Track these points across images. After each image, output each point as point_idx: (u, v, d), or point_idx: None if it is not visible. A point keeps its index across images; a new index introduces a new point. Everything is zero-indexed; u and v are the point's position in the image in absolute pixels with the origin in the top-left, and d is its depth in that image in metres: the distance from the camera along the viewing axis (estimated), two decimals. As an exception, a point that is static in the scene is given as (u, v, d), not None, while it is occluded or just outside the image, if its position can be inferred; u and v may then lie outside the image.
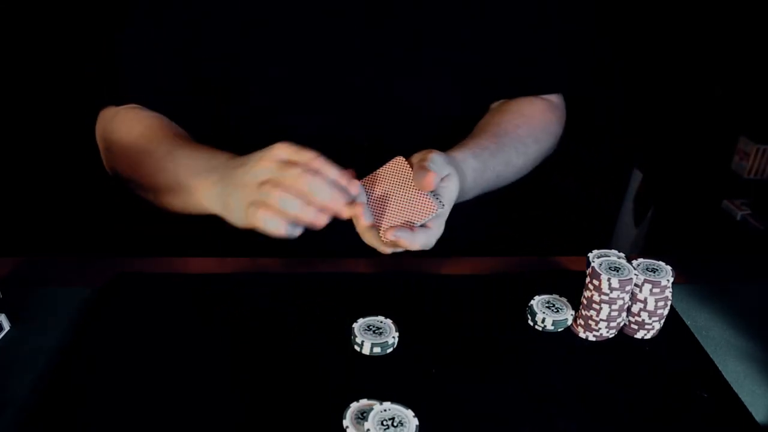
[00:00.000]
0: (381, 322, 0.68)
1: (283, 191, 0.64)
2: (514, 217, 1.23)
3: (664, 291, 0.68)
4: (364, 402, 0.58)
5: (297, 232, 0.66)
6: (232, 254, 0.83)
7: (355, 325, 0.67)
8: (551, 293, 0.73)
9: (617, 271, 0.67)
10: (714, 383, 0.65)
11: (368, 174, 0.72)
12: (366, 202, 0.69)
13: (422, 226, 0.68)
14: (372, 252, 0.73)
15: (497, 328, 0.70)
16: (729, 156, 1.70)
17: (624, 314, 0.69)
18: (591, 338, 0.69)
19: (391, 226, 0.67)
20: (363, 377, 0.63)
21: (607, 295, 0.67)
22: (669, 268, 0.69)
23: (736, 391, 0.64)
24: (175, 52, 0.88)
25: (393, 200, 0.69)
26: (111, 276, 0.76)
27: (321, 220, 0.65)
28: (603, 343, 0.69)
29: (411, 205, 0.68)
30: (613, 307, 0.67)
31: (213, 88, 0.88)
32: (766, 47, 1.58)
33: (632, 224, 1.75)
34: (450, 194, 0.71)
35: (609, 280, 0.66)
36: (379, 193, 0.70)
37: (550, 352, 0.68)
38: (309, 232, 0.67)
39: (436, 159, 0.70)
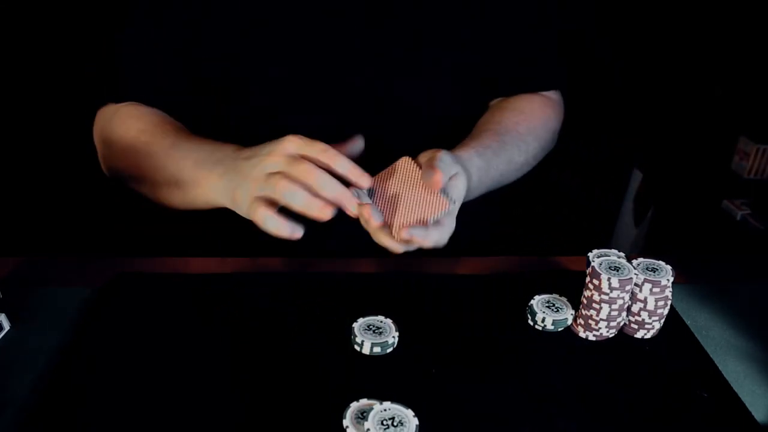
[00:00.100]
0: (381, 322, 0.68)
1: (289, 183, 0.65)
2: (516, 217, 1.23)
3: (664, 291, 0.68)
4: (364, 402, 0.58)
5: (298, 233, 0.66)
6: (232, 254, 0.83)
7: (355, 325, 0.67)
8: (551, 293, 0.73)
9: (617, 271, 0.67)
10: (714, 383, 0.65)
11: (371, 174, 0.72)
12: (374, 202, 0.69)
13: (435, 223, 0.68)
14: (372, 252, 0.73)
15: (497, 328, 0.70)
16: (729, 156, 1.70)
17: (624, 314, 0.69)
18: (591, 338, 0.69)
19: (404, 226, 0.67)
20: (363, 377, 0.63)
21: (607, 294, 0.67)
22: (669, 267, 0.69)
23: (736, 391, 0.64)
24: (175, 52, 0.88)
25: (404, 199, 0.69)
26: (111, 276, 0.76)
27: (326, 214, 0.65)
28: (603, 343, 0.69)
29: (423, 203, 0.68)
30: (613, 306, 0.67)
31: (213, 88, 0.88)
32: (766, 47, 1.58)
33: (632, 224, 1.75)
34: (459, 192, 0.71)
35: (609, 279, 0.66)
36: (389, 193, 0.70)
37: (550, 352, 0.68)
38: (309, 232, 0.67)
39: (444, 158, 0.70)
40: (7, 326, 0.68)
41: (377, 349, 0.65)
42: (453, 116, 0.91)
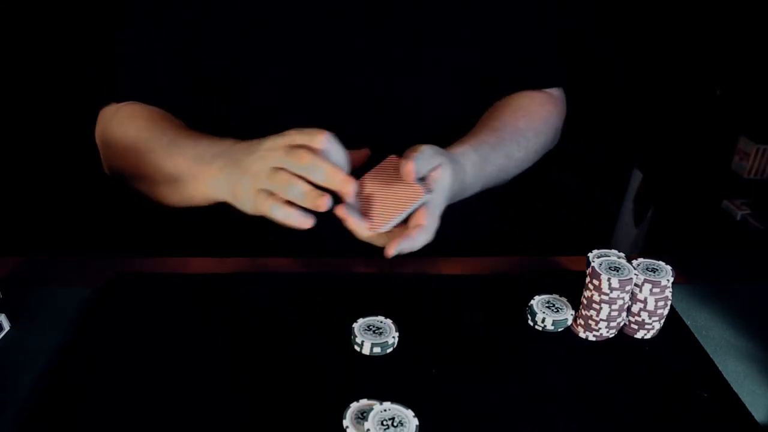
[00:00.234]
0: (381, 322, 0.68)
1: (289, 176, 0.65)
2: (516, 217, 1.23)
3: (664, 291, 0.68)
4: (364, 402, 0.58)
5: (309, 222, 0.66)
6: (232, 254, 0.83)
7: (355, 325, 0.67)
8: (551, 293, 0.73)
9: (617, 271, 0.67)
10: (714, 383, 0.65)
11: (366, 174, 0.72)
12: (355, 202, 0.70)
13: (414, 224, 0.69)
14: (372, 252, 0.73)
15: (497, 328, 0.70)
16: (729, 156, 1.70)
17: (624, 314, 0.69)
18: (591, 338, 0.69)
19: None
20: (363, 377, 0.63)
21: (607, 295, 0.67)
22: (669, 268, 0.69)
23: (736, 391, 0.64)
24: (175, 52, 0.88)
25: (382, 196, 0.70)
26: (111, 276, 0.76)
27: (322, 202, 0.65)
28: (603, 343, 0.69)
29: (398, 195, 0.69)
30: (613, 307, 0.67)
31: (213, 88, 0.88)
32: (766, 47, 1.58)
33: (632, 224, 1.75)
34: (442, 184, 0.72)
35: (609, 279, 0.66)
36: (369, 192, 0.70)
37: (550, 352, 0.68)
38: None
39: (424, 150, 0.71)
40: (7, 326, 0.68)
41: (377, 350, 0.65)
42: (453, 116, 0.91)
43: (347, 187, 0.66)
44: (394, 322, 0.68)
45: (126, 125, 0.87)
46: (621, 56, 1.68)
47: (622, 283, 0.67)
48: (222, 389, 0.61)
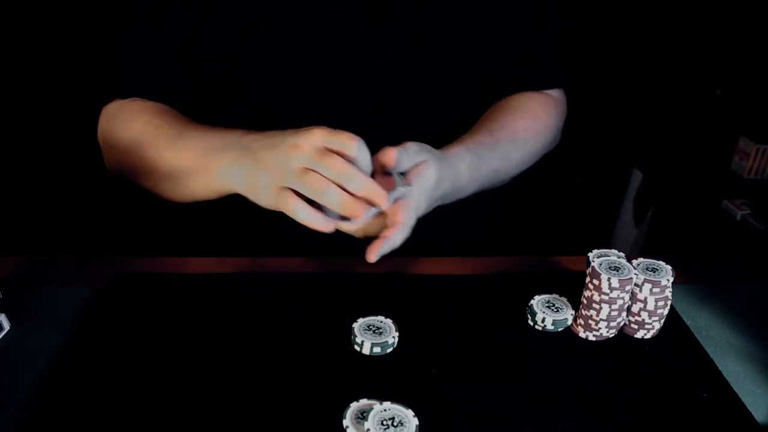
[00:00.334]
0: (381, 322, 0.68)
1: (324, 182, 0.65)
2: (516, 217, 1.23)
3: (664, 291, 0.68)
4: (364, 402, 0.58)
5: (331, 226, 0.66)
6: (232, 254, 0.83)
7: (355, 325, 0.67)
8: (551, 293, 0.73)
9: (617, 271, 0.67)
10: (714, 383, 0.65)
11: None
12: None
13: (391, 221, 0.69)
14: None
15: (497, 328, 0.70)
16: (729, 156, 1.71)
17: (624, 314, 0.69)
18: (591, 338, 0.69)
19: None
20: (363, 377, 0.63)
21: (607, 294, 0.67)
22: (669, 268, 0.69)
23: (736, 391, 0.64)
24: (175, 52, 0.88)
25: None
26: (111, 276, 0.76)
27: (362, 212, 0.65)
28: (603, 343, 0.69)
29: None
30: (613, 306, 0.67)
31: (213, 88, 0.88)
32: (766, 47, 1.59)
33: (632, 224, 1.76)
34: (425, 181, 0.72)
35: (609, 279, 0.66)
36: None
37: (550, 352, 0.68)
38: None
39: (410, 145, 0.72)
40: (7, 326, 0.68)
41: (377, 350, 0.65)
42: (453, 116, 0.91)
43: (384, 201, 0.66)
44: (394, 322, 0.68)
45: (130, 120, 0.86)
46: (621, 56, 1.69)
47: (622, 283, 0.67)
48: (222, 389, 0.61)
